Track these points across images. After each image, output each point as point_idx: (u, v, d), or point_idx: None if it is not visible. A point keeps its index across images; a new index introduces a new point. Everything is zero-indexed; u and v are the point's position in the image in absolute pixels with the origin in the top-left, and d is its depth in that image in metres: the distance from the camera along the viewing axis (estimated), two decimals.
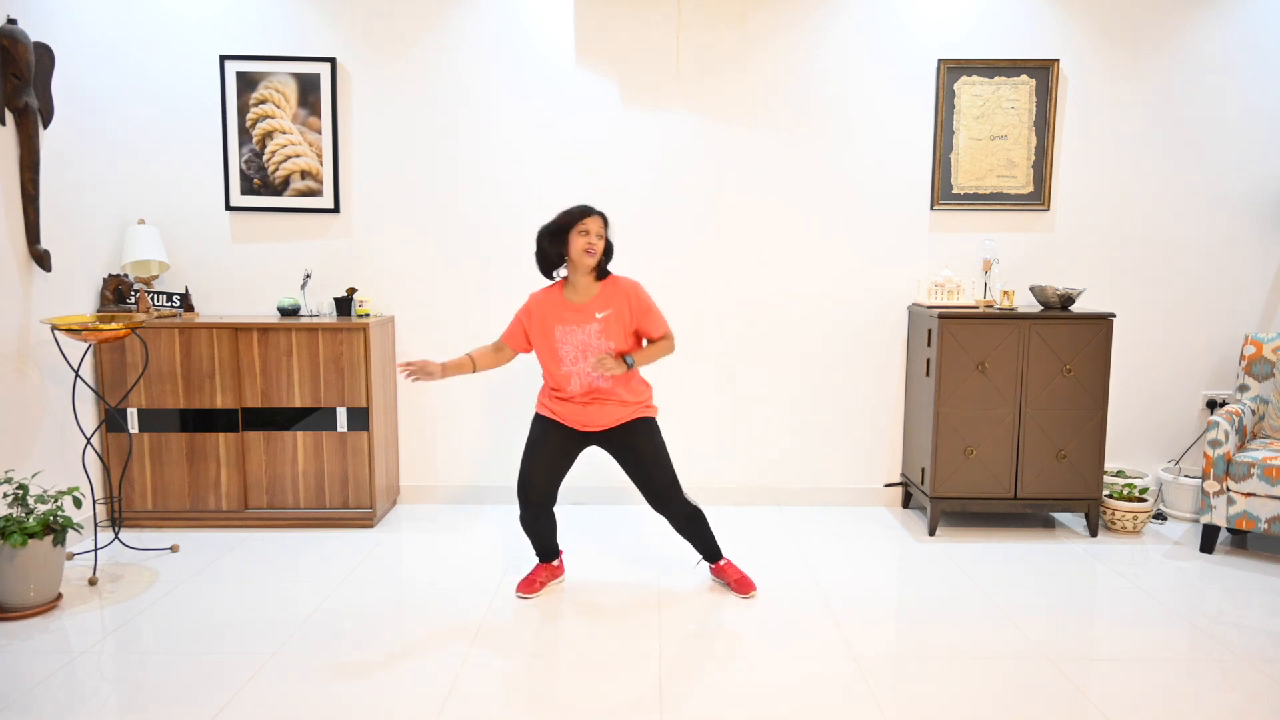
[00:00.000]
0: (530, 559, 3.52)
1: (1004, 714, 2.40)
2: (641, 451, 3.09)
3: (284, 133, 4.09)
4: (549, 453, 3.10)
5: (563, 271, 3.09)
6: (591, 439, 3.14)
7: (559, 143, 4.14)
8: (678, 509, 3.15)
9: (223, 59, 4.03)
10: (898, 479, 4.36)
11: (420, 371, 2.98)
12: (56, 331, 3.38)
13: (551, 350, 3.04)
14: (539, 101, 4.12)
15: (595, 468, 4.26)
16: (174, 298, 4.05)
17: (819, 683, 2.57)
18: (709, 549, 3.27)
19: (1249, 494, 3.55)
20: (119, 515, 3.65)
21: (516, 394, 4.28)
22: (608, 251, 3.05)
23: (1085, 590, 3.29)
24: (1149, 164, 4.18)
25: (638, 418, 3.12)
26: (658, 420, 3.19)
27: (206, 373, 3.84)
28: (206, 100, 4.07)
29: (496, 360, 3.17)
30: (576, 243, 2.96)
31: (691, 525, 3.19)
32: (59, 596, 3.09)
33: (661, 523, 4.04)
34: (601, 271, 3.06)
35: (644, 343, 3.16)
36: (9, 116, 3.35)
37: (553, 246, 3.01)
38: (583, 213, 2.99)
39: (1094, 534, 3.91)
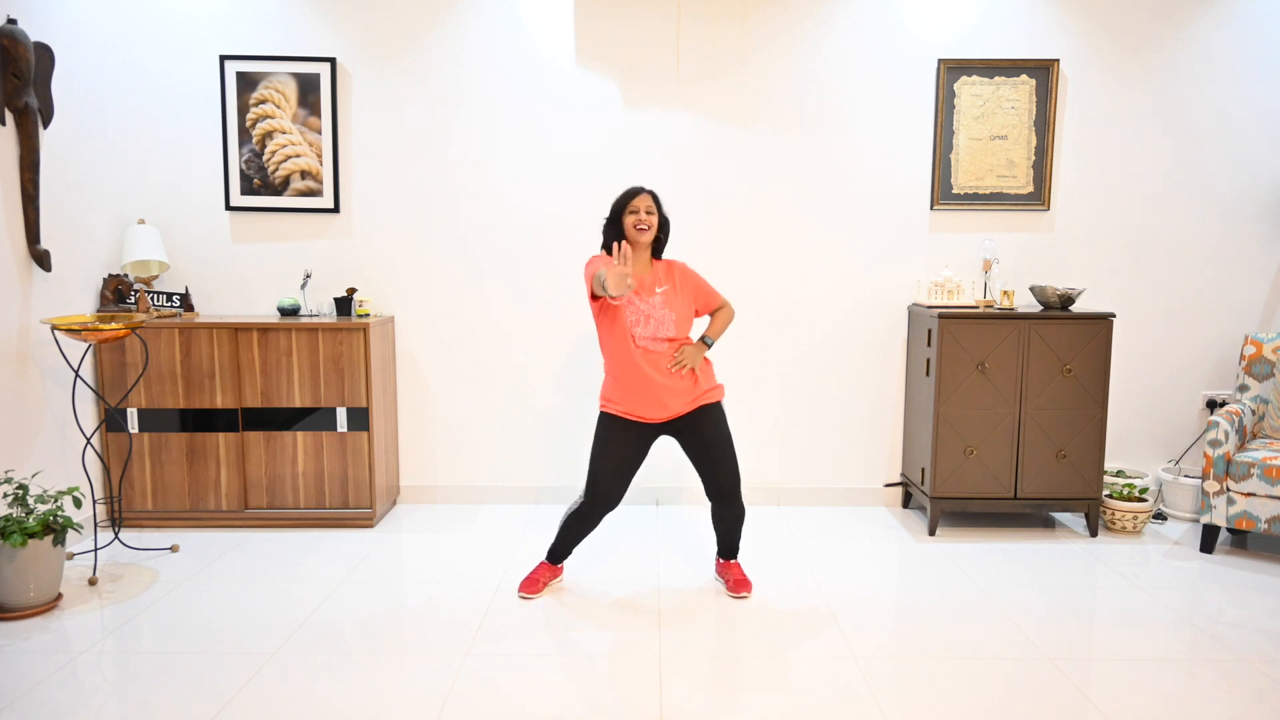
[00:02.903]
0: (530, 559, 3.52)
1: (1004, 714, 2.40)
2: (710, 444, 3.10)
3: (284, 133, 4.09)
4: (621, 450, 3.09)
5: None
6: (661, 430, 3.14)
7: (559, 142, 4.14)
8: (736, 505, 3.18)
9: (223, 59, 4.03)
10: (898, 479, 4.36)
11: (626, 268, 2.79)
12: (56, 331, 3.38)
13: (619, 308, 3.03)
14: (539, 101, 4.12)
15: None
16: (174, 298, 4.06)
17: (819, 683, 2.57)
18: (731, 546, 3.31)
19: (1249, 494, 3.55)
20: (119, 515, 3.65)
21: (517, 394, 4.28)
22: (664, 229, 3.12)
23: (1085, 590, 3.29)
24: (1149, 164, 4.18)
25: (709, 402, 3.13)
26: (723, 406, 3.21)
27: (206, 373, 3.84)
28: (206, 100, 4.07)
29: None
30: (628, 222, 3.03)
31: (735, 522, 3.24)
32: (59, 596, 3.09)
33: (662, 523, 4.04)
34: (657, 250, 3.15)
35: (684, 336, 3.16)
36: (9, 116, 3.35)
37: (612, 232, 3.08)
38: (631, 193, 3.05)
39: (1094, 534, 3.91)
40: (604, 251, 3.14)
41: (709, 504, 3.25)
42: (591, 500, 3.12)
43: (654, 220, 3.05)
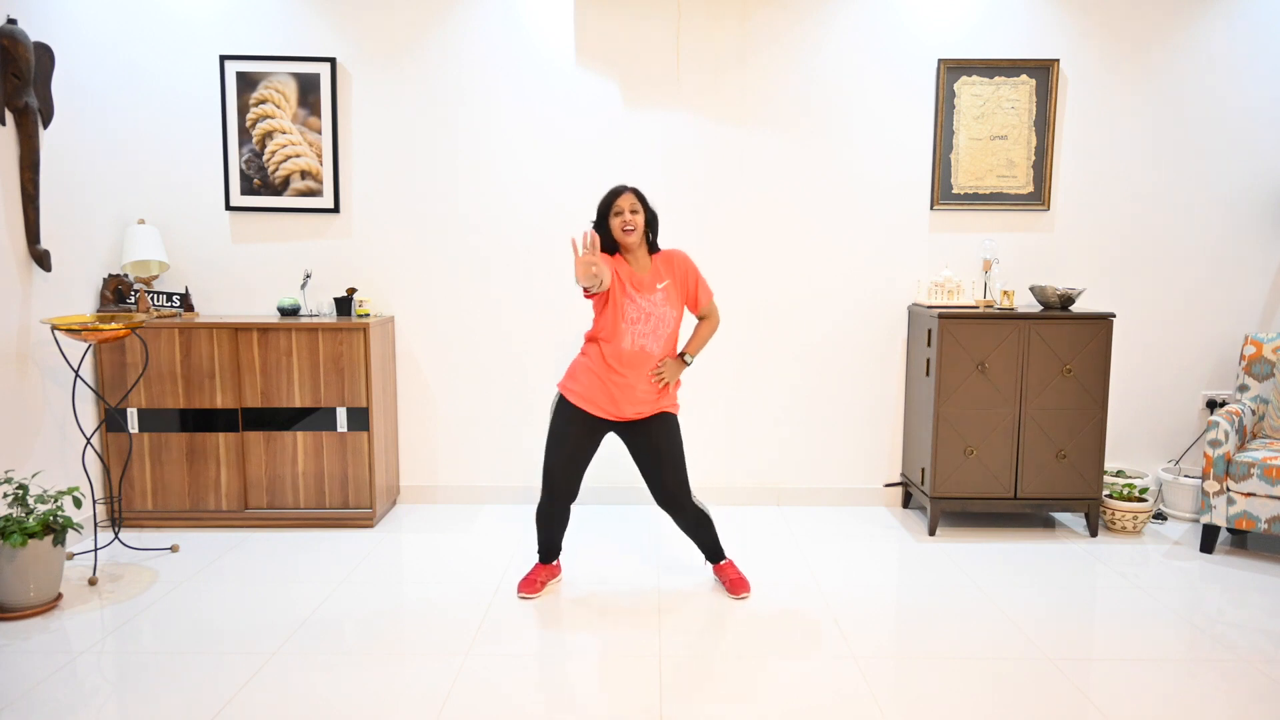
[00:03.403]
0: (530, 558, 3.52)
1: (1004, 714, 2.40)
2: (658, 448, 3.10)
3: (284, 133, 4.09)
4: (574, 443, 3.09)
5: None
6: (612, 426, 3.13)
7: (559, 142, 4.14)
8: (687, 512, 3.17)
9: (223, 59, 4.03)
10: (898, 479, 4.36)
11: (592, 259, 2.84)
12: (56, 331, 3.38)
13: (618, 304, 3.02)
14: (539, 101, 4.12)
15: (595, 467, 4.24)
16: (174, 298, 4.06)
17: (819, 683, 2.57)
18: (712, 550, 3.28)
19: (1249, 494, 3.55)
20: (119, 515, 3.65)
21: (517, 394, 4.28)
22: (652, 225, 3.10)
23: (1085, 590, 3.29)
24: (1149, 164, 4.18)
25: (662, 412, 3.13)
26: (678, 418, 3.22)
27: (206, 373, 3.84)
28: (206, 100, 4.07)
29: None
30: (614, 224, 3.03)
31: (698, 527, 3.21)
32: (59, 596, 3.09)
33: (663, 524, 4.04)
34: (652, 246, 3.14)
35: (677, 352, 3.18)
36: (9, 116, 3.35)
37: (602, 234, 3.07)
38: (613, 194, 3.04)
39: (1094, 534, 3.91)
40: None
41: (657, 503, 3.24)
42: (550, 493, 3.11)
43: (639, 219, 3.03)
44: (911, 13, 4.09)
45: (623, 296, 3.02)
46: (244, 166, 4.10)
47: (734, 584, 3.23)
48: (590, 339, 3.13)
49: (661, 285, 3.07)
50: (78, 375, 3.43)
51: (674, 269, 3.12)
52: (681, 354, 3.16)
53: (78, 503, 3.12)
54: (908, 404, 4.24)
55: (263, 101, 4.06)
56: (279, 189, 4.12)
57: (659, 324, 3.05)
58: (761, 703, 2.45)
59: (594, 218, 3.11)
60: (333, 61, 4.04)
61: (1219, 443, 3.62)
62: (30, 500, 3.09)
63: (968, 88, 4.11)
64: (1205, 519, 3.66)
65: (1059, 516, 4.20)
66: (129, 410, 3.84)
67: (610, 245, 3.08)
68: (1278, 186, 4.18)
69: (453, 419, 4.31)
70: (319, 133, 4.09)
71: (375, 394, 3.93)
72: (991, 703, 2.46)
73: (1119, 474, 4.15)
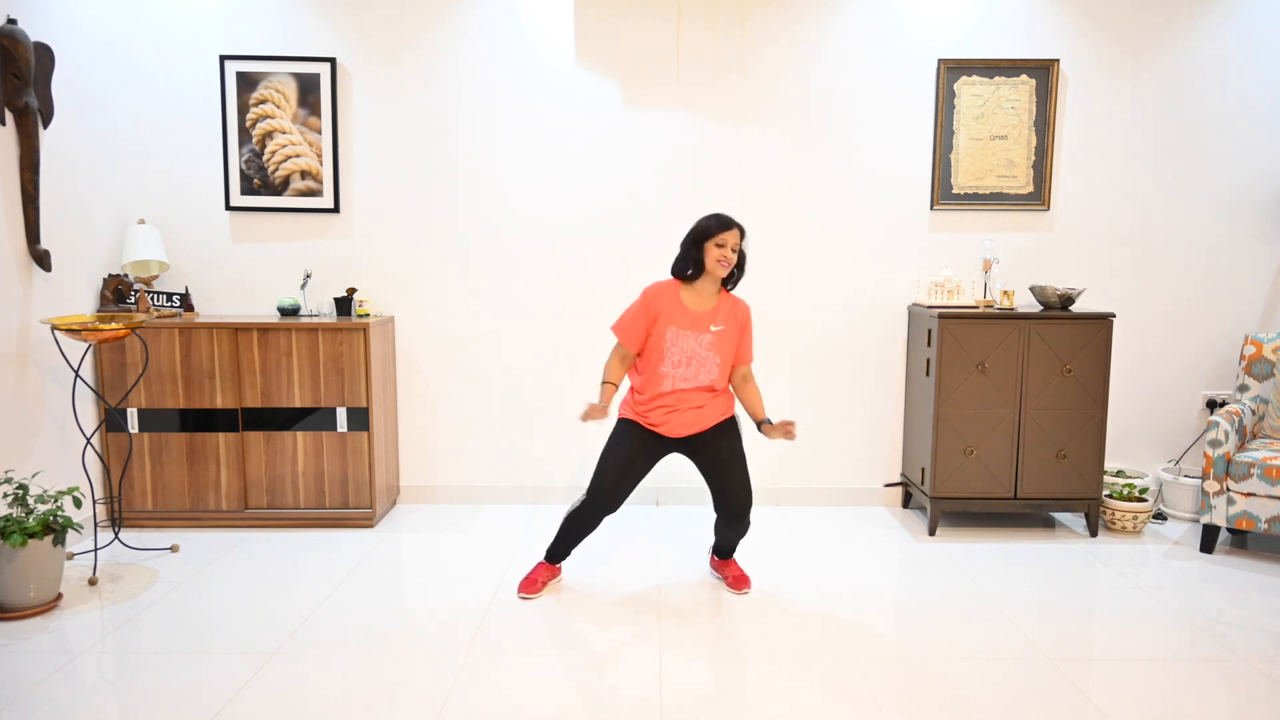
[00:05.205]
0: (530, 558, 3.52)
1: (1004, 714, 2.40)
2: (725, 460, 3.09)
3: (284, 133, 4.09)
4: (628, 453, 3.08)
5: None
6: (675, 446, 3.13)
7: (559, 142, 4.14)
8: (744, 523, 3.18)
9: (223, 59, 4.03)
10: (898, 479, 4.36)
11: (596, 414, 2.93)
12: (56, 331, 3.38)
13: (658, 348, 3.02)
14: (539, 101, 4.12)
15: (593, 466, 4.24)
16: (174, 298, 4.06)
17: (819, 682, 2.57)
18: (729, 550, 3.32)
19: (1249, 494, 3.55)
20: (119, 515, 3.65)
21: (517, 394, 4.28)
22: (740, 264, 3.06)
23: (1085, 590, 3.30)
24: (1149, 164, 4.18)
25: (725, 421, 3.14)
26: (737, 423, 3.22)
27: (206, 373, 3.84)
28: (206, 100, 4.07)
29: (625, 370, 3.13)
30: (712, 253, 2.98)
31: (737, 535, 3.24)
32: (59, 596, 3.09)
33: (662, 523, 4.04)
34: (725, 281, 3.09)
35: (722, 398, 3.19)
36: (9, 116, 3.35)
37: (692, 253, 3.02)
38: (722, 225, 2.97)
39: (1094, 534, 3.91)
40: (672, 277, 3.08)
41: (715, 514, 3.25)
42: (592, 499, 3.11)
43: (735, 258, 3.00)
44: (911, 13, 4.09)
45: (663, 339, 3.00)
46: (244, 166, 4.10)
47: (736, 580, 3.24)
48: (633, 380, 3.15)
49: (716, 328, 3.03)
50: (78, 375, 3.43)
51: (734, 316, 3.08)
52: (762, 423, 3.10)
53: (78, 503, 3.12)
54: (908, 404, 4.24)
55: (263, 101, 4.06)
56: (279, 189, 4.12)
57: (700, 368, 3.02)
58: (761, 702, 2.45)
59: (691, 235, 3.02)
60: (333, 61, 4.05)
61: (1219, 443, 3.62)
62: (30, 500, 3.09)
63: (968, 88, 4.11)
64: (1205, 519, 3.67)
65: (1059, 516, 4.20)
66: (129, 410, 3.84)
67: (695, 269, 3.02)
68: (1278, 186, 4.18)
69: (453, 419, 4.31)
70: (319, 133, 4.09)
71: (375, 394, 3.93)
72: (991, 703, 2.46)
73: (1119, 474, 4.15)
